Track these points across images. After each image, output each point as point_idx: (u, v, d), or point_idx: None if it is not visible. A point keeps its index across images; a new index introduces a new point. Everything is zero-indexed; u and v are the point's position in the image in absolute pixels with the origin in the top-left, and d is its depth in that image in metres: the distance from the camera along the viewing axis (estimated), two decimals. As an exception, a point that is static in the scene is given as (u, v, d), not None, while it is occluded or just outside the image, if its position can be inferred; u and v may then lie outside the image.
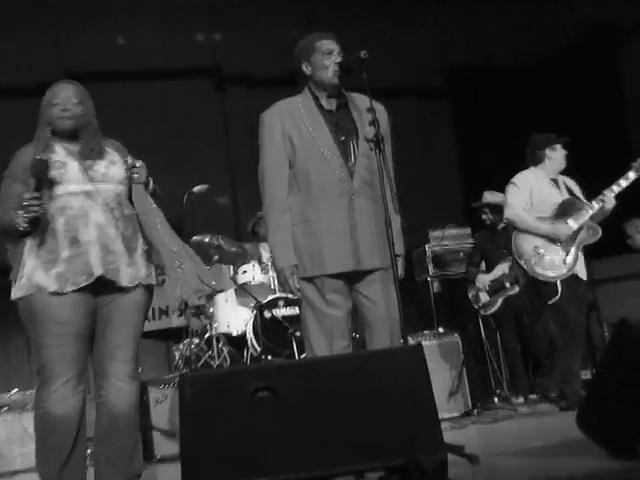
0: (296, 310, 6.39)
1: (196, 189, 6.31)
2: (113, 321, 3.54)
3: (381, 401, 2.42)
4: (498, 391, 6.78)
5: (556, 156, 5.46)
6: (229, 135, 10.38)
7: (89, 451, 3.63)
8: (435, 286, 7.87)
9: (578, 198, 5.37)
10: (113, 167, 3.65)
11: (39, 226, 3.38)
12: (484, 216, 7.31)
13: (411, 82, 10.26)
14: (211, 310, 6.62)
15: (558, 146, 5.49)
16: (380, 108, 3.63)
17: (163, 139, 9.35)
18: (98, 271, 3.44)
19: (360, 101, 3.66)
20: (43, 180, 3.39)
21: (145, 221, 3.68)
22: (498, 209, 7.13)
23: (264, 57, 9.78)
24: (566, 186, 5.45)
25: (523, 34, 10.45)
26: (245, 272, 6.72)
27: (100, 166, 3.61)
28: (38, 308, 3.40)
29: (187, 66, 10.13)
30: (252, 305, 6.54)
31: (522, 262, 5.31)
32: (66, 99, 3.62)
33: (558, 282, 5.08)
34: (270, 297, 6.48)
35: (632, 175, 5.09)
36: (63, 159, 3.51)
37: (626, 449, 2.70)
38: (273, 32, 9.63)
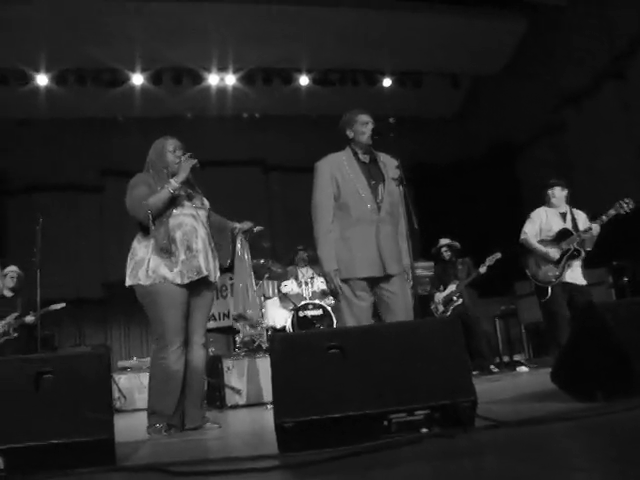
0: (320, 312, 6.10)
1: (256, 229, 6.00)
2: (199, 306, 3.27)
3: (427, 358, 2.03)
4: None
5: (555, 195, 4.91)
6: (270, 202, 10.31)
7: None
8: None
9: (575, 228, 4.80)
10: (204, 199, 3.43)
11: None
12: (445, 253, 6.76)
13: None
14: (263, 311, 6.28)
15: (555, 189, 4.94)
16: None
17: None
18: (204, 272, 3.15)
19: (384, 157, 3.34)
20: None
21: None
22: (453, 248, 6.76)
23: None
24: (573, 217, 4.88)
25: (452, 146, 10.51)
26: (286, 285, 6.45)
27: (197, 198, 3.37)
28: (163, 293, 3.06)
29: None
30: (290, 308, 6.21)
31: (527, 272, 4.83)
32: (180, 150, 3.34)
33: (549, 287, 4.65)
34: (302, 302, 6.15)
35: (612, 212, 4.55)
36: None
37: (588, 394, 2.37)
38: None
